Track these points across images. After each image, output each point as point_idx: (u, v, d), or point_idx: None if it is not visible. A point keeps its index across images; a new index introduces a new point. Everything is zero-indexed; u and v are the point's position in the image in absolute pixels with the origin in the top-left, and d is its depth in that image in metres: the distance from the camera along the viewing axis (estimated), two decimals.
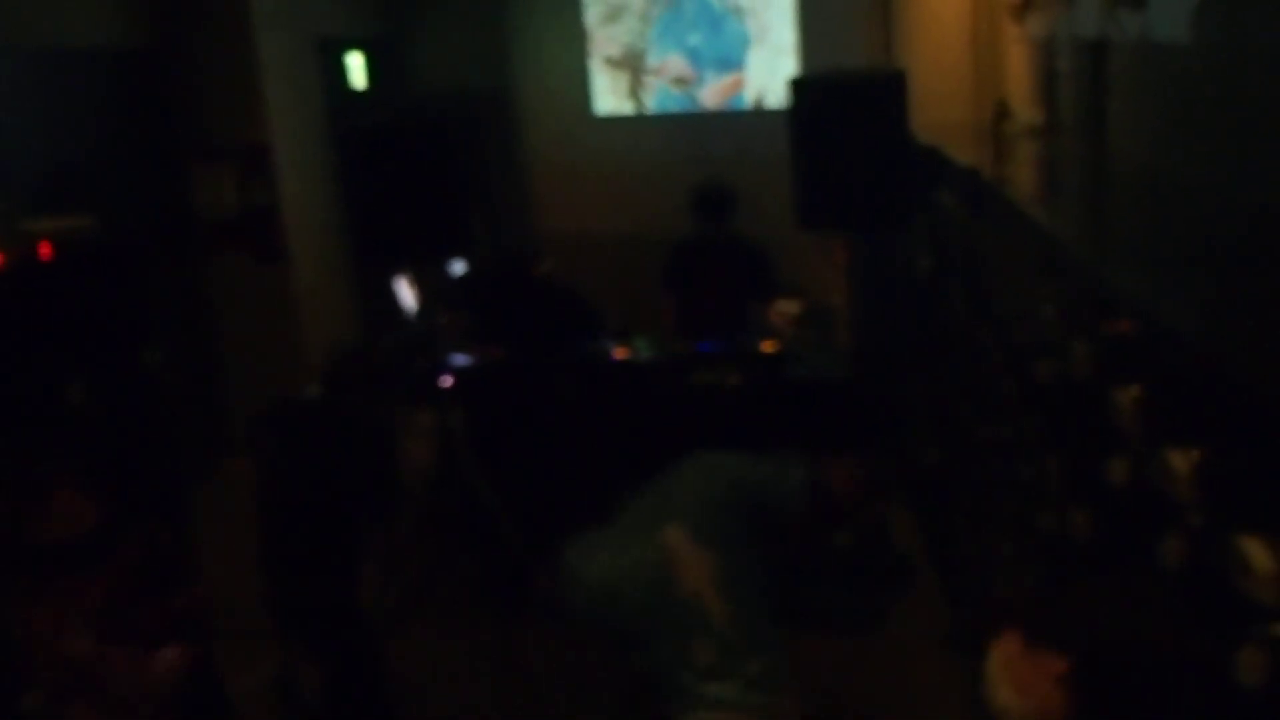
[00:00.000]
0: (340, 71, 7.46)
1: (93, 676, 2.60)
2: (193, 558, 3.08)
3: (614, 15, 8.13)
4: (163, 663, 2.69)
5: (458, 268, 6.27)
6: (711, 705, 2.85)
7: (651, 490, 3.09)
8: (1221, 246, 2.28)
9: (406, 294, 6.01)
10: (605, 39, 8.17)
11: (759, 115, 7.89)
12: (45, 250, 3.72)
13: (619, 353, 5.38)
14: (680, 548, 2.88)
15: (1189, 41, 2.88)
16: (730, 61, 7.94)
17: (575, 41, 8.22)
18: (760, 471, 3.08)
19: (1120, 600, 1.49)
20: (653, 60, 8.12)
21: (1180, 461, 1.57)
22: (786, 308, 6.33)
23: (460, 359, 5.42)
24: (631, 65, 8.17)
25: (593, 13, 8.15)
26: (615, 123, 8.27)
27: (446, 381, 5.27)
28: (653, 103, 8.19)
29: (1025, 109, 4.67)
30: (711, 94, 8.03)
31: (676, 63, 8.06)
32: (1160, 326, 1.80)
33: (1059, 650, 1.44)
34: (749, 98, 7.96)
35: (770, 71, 7.80)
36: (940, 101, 5.73)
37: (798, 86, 4.42)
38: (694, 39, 7.98)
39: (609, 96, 8.26)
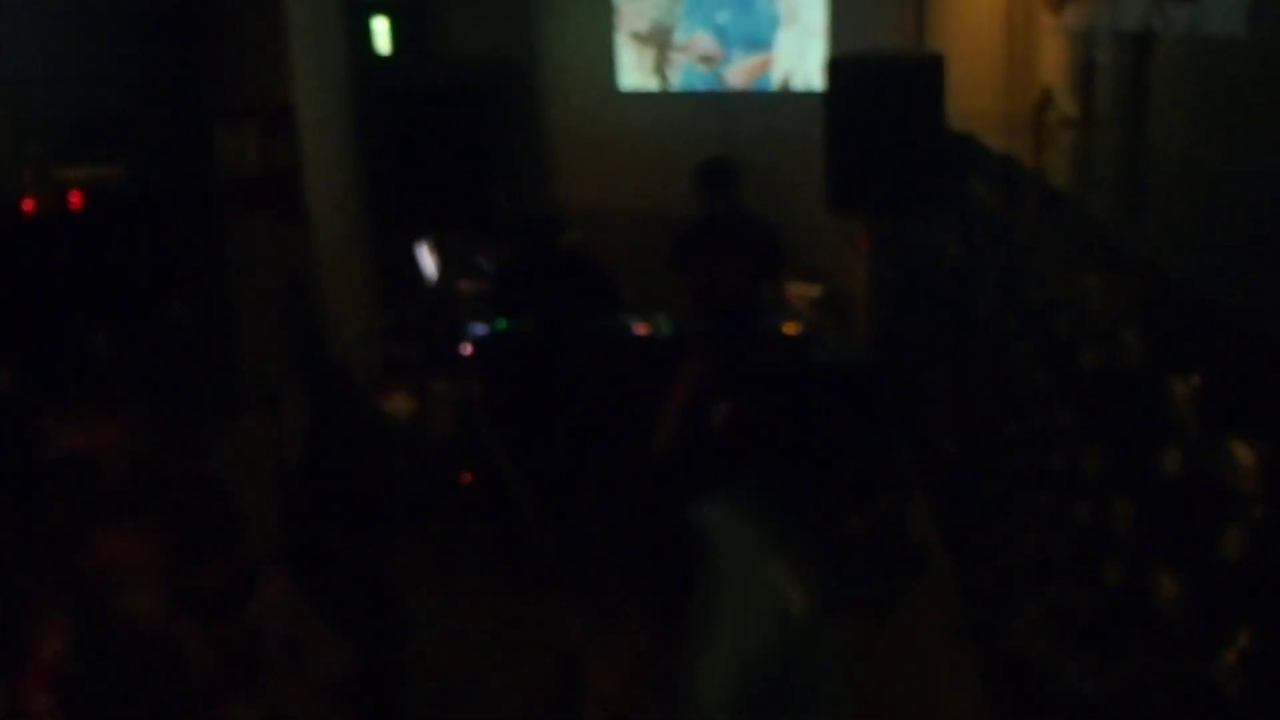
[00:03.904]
0: (366, 35, 7.41)
1: (167, 645, 2.31)
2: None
3: None
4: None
5: (479, 236, 6.25)
6: None
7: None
8: (1267, 241, 2.25)
9: (428, 260, 5.98)
10: (632, 13, 8.11)
11: (785, 96, 7.84)
12: (76, 199, 3.70)
13: (639, 328, 5.36)
14: None
15: (1242, 34, 2.85)
16: (758, 41, 7.89)
17: (601, 15, 8.17)
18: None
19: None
20: (680, 37, 8.06)
21: (1244, 453, 1.55)
22: (807, 291, 6.31)
23: (479, 328, 5.40)
24: (658, 41, 8.11)
25: None
26: (639, 99, 8.22)
27: (465, 350, 5.26)
28: (678, 80, 8.14)
29: (1061, 100, 4.63)
30: (738, 73, 7.98)
31: (704, 40, 8.01)
32: (1222, 312, 1.78)
33: None
34: (776, 78, 7.90)
35: (799, 53, 7.74)
36: (971, 89, 5.69)
37: (835, 67, 4.38)
38: (722, 17, 7.92)
39: (634, 72, 8.20)
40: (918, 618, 4.69)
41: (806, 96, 7.30)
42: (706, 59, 8.05)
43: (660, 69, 8.16)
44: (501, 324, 5.36)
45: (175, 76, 6.19)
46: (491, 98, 5.27)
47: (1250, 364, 1.65)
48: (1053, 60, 4.97)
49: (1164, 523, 1.95)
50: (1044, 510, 2.90)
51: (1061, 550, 2.67)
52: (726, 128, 7.55)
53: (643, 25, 8.12)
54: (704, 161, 5.89)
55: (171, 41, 6.17)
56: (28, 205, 3.66)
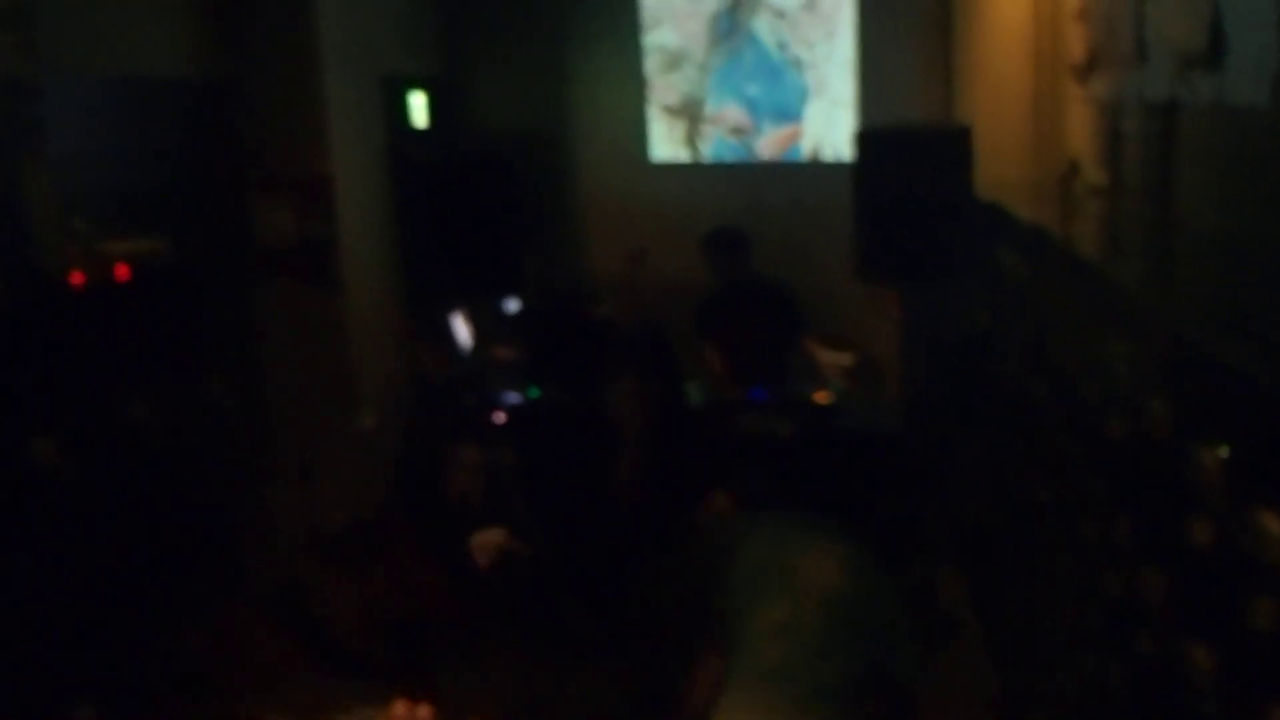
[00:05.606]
0: (402, 109, 7.57)
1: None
2: None
3: (673, 63, 8.20)
4: None
5: (511, 306, 6.32)
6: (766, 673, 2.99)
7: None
8: None
9: (461, 330, 6.06)
10: (664, 86, 8.24)
11: (815, 167, 7.92)
12: (123, 272, 3.79)
13: None
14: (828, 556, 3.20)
15: (1267, 104, 2.88)
16: (788, 113, 7.99)
17: (633, 88, 8.29)
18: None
19: None
20: (710, 109, 8.17)
21: (1273, 524, 1.56)
22: (837, 359, 6.33)
23: (512, 397, 5.45)
24: (689, 113, 8.22)
25: (652, 60, 8.22)
26: (670, 170, 8.32)
27: (499, 419, 5.30)
28: (709, 151, 8.24)
29: (1089, 169, 4.66)
30: (768, 144, 8.07)
31: (734, 112, 8.12)
32: (1250, 382, 1.79)
33: None
34: (805, 149, 7.99)
35: (828, 124, 7.84)
36: (999, 159, 5.73)
37: (864, 139, 4.45)
38: (752, 89, 8.04)
39: (665, 144, 8.31)
40: (949, 688, 4.64)
41: (836, 167, 7.37)
42: (737, 130, 8.15)
43: (691, 140, 8.27)
44: (534, 392, 5.41)
45: (216, 149, 6.35)
46: (525, 170, 5.38)
47: (1278, 434, 1.66)
48: (1079, 130, 5.00)
49: (1195, 593, 1.94)
50: (1075, 579, 2.89)
51: (1094, 620, 2.65)
52: (756, 198, 7.63)
53: (674, 98, 8.24)
54: (712, 229, 5.99)
55: (214, 115, 6.34)
56: (76, 278, 3.75)
